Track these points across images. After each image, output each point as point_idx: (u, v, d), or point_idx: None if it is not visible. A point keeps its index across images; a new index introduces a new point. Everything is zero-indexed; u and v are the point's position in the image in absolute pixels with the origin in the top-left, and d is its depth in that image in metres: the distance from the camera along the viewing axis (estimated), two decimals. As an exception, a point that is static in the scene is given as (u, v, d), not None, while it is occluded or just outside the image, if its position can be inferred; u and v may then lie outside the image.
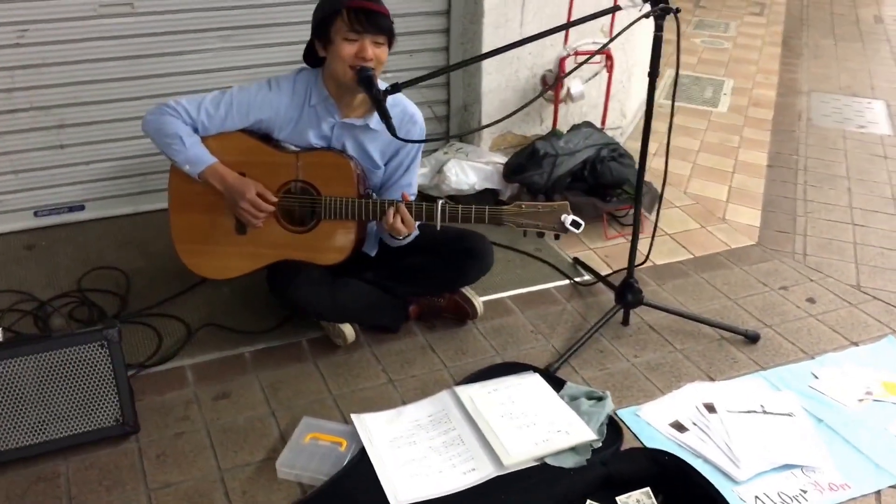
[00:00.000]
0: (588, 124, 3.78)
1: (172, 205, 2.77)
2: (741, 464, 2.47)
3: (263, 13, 3.46)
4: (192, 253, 2.78)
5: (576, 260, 3.48)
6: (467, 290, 3.03)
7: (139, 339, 2.86)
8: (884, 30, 7.34)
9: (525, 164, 3.56)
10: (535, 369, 2.78)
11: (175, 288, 3.13)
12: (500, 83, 3.81)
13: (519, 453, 2.39)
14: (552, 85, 3.67)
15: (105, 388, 2.40)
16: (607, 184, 3.60)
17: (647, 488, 2.33)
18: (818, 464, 2.50)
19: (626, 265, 3.34)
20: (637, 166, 2.93)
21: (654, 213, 3.07)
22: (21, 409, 2.31)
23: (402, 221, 2.61)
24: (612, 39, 2.80)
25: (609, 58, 3.76)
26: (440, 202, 2.63)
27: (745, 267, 3.54)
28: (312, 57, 2.70)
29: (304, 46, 3.52)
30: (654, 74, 2.72)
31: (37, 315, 2.95)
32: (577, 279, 3.38)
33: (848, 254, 3.69)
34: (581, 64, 3.06)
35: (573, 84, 3.74)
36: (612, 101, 4.07)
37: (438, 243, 2.86)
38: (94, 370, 2.37)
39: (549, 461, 2.39)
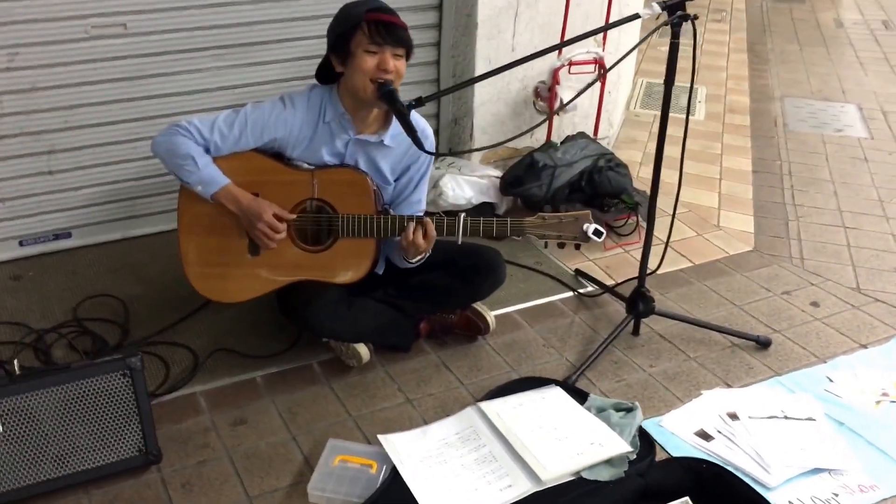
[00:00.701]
0: (583, 135, 3.77)
1: (182, 227, 2.68)
2: (772, 469, 2.46)
3: (257, 31, 3.39)
4: (204, 277, 2.69)
5: (577, 271, 3.46)
6: (479, 306, 2.98)
7: (146, 368, 2.74)
8: (845, 34, 7.48)
9: (523, 176, 3.54)
10: (556, 382, 2.75)
11: (176, 314, 3.03)
12: (491, 96, 3.78)
13: (556, 468, 2.34)
14: (562, 105, 3.63)
15: (128, 417, 2.31)
16: (606, 194, 3.59)
17: (686, 498, 2.30)
18: (846, 466, 2.50)
19: (627, 275, 3.38)
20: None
21: (668, 222, 3.06)
22: (42, 443, 2.21)
23: (425, 236, 2.57)
24: (635, 47, 2.79)
25: (602, 67, 3.76)
26: (462, 216, 2.58)
27: (745, 273, 3.55)
28: (325, 74, 2.65)
29: (299, 63, 3.52)
30: (670, 82, 2.73)
31: (36, 347, 2.83)
32: (581, 291, 3.35)
33: (844, 257, 3.72)
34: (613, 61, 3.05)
35: (565, 95, 3.72)
36: (602, 110, 4.07)
37: (450, 259, 2.81)
38: (117, 400, 2.28)
39: (584, 475, 2.35)
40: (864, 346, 3.09)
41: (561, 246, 2.62)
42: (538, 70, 3.77)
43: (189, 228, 2.67)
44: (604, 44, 3.81)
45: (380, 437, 2.47)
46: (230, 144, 2.59)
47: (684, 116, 2.85)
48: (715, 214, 4.01)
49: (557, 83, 3.70)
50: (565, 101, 3.72)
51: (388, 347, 2.90)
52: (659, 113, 2.85)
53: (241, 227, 2.63)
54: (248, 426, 2.56)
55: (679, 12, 2.56)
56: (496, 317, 3.06)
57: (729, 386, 2.84)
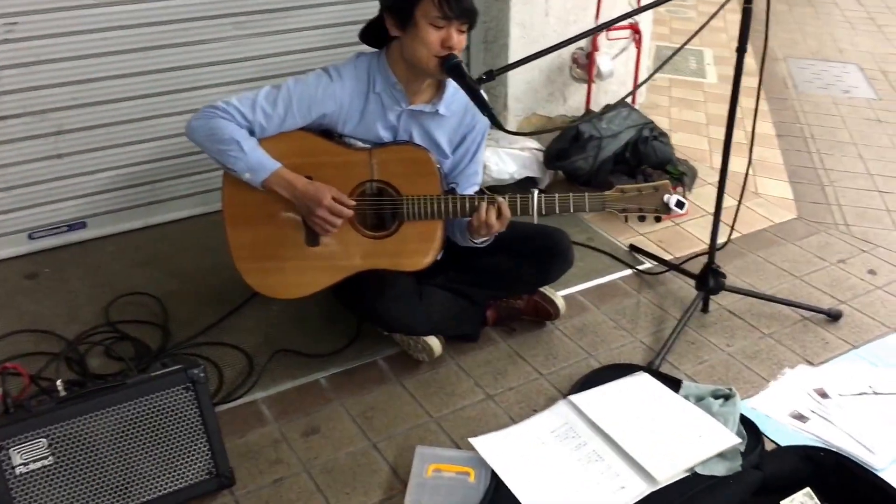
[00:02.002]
0: (624, 103, 3.59)
1: (229, 219, 2.42)
2: (876, 450, 2.34)
3: (282, -5, 3.11)
4: (260, 272, 2.44)
5: (632, 247, 3.29)
6: (547, 290, 2.80)
7: (200, 375, 2.50)
8: (828, -8, 7.42)
9: (569, 149, 3.34)
10: (643, 369, 2.58)
11: (217, 310, 2.78)
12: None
13: (669, 465, 2.18)
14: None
15: (194, 437, 2.06)
16: (651, 165, 3.42)
17: (808, 489, 2.16)
18: (949, 444, 2.40)
19: (681, 249, 3.25)
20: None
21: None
22: (100, 473, 1.95)
23: (499, 217, 2.36)
24: (712, 16, 2.59)
25: (637, 31, 3.58)
26: (535, 193, 2.38)
27: (796, 242, 3.43)
28: (374, 36, 2.41)
29: (325, 31, 3.23)
30: (742, 49, 2.62)
31: (69, 357, 2.55)
32: (640, 267, 3.19)
33: (886, 222, 3.63)
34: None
35: (602, 61, 3.53)
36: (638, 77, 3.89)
37: (517, 241, 2.61)
38: (181, 418, 2.03)
39: (699, 470, 2.19)
40: (931, 314, 3.00)
41: (641, 219, 2.46)
42: (573, 36, 3.56)
43: (237, 220, 2.42)
44: (639, 2, 3.62)
45: (471, 440, 2.28)
46: (276, 124, 2.34)
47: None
48: (751, 181, 3.88)
49: (596, 49, 3.50)
50: (602, 68, 3.53)
51: (456, 338, 2.70)
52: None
53: (296, 215, 2.39)
54: (322, 435, 2.33)
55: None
56: (561, 299, 2.88)
57: (810, 363, 2.72)
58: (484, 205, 2.36)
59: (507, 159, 3.37)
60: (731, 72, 5.27)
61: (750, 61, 5.52)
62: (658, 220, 2.43)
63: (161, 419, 2.01)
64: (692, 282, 2.99)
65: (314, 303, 2.71)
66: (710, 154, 4.11)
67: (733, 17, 6.32)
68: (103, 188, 3.11)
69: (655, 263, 3.19)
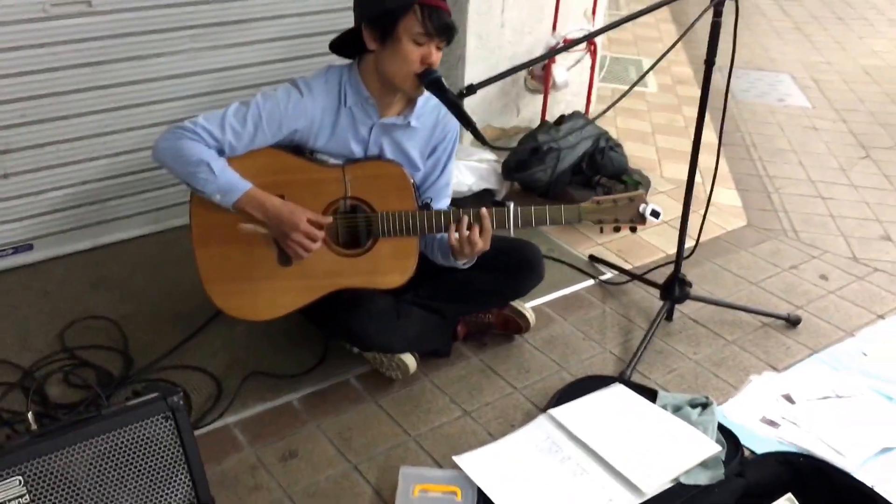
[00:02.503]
0: (579, 114, 3.61)
1: (197, 240, 2.34)
2: (846, 453, 2.40)
3: (238, 7, 3.02)
4: (231, 295, 2.36)
5: (592, 257, 3.30)
6: (517, 303, 2.78)
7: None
8: (753, 2, 7.62)
9: (528, 160, 3.34)
10: (618, 380, 2.59)
11: (178, 332, 2.68)
12: (481, 73, 3.54)
13: (654, 477, 2.18)
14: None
15: (174, 466, 1.97)
16: (608, 175, 3.44)
17: (789, 494, 2.19)
18: (912, 443, 2.47)
19: (641, 258, 3.30)
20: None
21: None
22: (78, 510, 1.86)
23: (481, 233, 2.33)
24: (687, 30, 2.62)
25: (592, 43, 3.61)
26: (511, 206, 2.35)
27: (749, 249, 3.50)
28: (347, 47, 2.36)
29: (283, 43, 3.18)
30: (710, 62, 2.66)
31: (25, 387, 2.41)
32: (602, 278, 3.20)
33: (832, 227, 3.73)
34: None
35: (558, 72, 3.55)
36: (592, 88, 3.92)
37: (488, 255, 2.57)
38: (161, 448, 1.94)
39: (683, 480, 2.20)
40: (882, 317, 3.08)
41: (616, 230, 2.45)
42: (527, 48, 3.58)
43: (206, 241, 2.34)
44: (593, 19, 3.66)
45: (455, 458, 2.25)
46: (245, 142, 2.27)
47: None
48: (701, 189, 3.96)
49: (553, 61, 3.52)
50: (557, 79, 3.54)
51: (427, 354, 2.66)
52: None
53: (267, 235, 2.32)
54: (301, 459, 2.27)
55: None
56: (527, 312, 2.87)
57: (774, 368, 2.77)
58: (466, 219, 2.32)
59: (465, 171, 3.36)
60: (669, 81, 5.43)
61: (686, 70, 5.67)
62: (633, 230, 2.43)
63: (140, 450, 1.91)
64: (654, 291, 3.03)
65: (280, 322, 2.63)
66: (660, 163, 4.17)
67: (667, 28, 6.48)
68: (51, 208, 2.97)
69: (617, 273, 3.22)
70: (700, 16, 2.50)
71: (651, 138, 4.45)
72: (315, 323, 2.56)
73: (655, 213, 2.40)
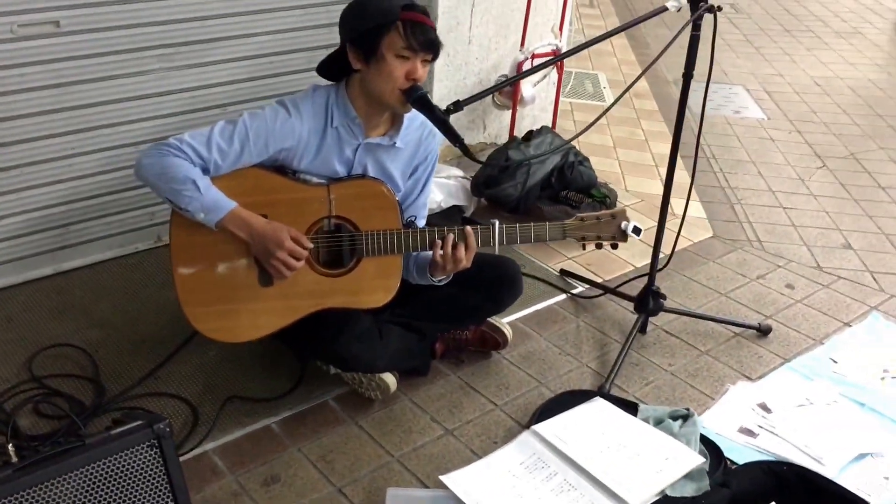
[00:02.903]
0: (547, 129, 3.62)
1: (177, 262, 2.29)
2: (825, 460, 2.43)
3: (207, 26, 2.98)
4: (211, 316, 2.31)
5: (563, 271, 3.31)
6: (494, 319, 2.77)
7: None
8: (704, 16, 7.67)
9: (498, 175, 3.34)
10: (599, 395, 2.59)
11: (149, 359, 2.62)
12: (449, 90, 3.56)
13: (641, 490, 2.19)
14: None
15: (160, 495, 1.90)
16: (578, 189, 3.46)
17: (774, 503, 2.22)
18: (885, 447, 2.50)
19: (611, 271, 3.33)
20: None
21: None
22: (61, 544, 1.79)
23: (467, 250, 2.33)
24: (669, 45, 2.65)
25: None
26: (496, 224, 2.36)
27: (716, 260, 3.54)
28: (333, 69, 2.35)
29: (254, 62, 3.16)
30: (688, 75, 2.70)
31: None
32: (574, 292, 3.21)
33: (794, 237, 3.80)
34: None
35: (525, 88, 3.56)
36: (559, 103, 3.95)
37: (467, 272, 2.58)
38: (146, 477, 1.87)
39: (669, 492, 2.21)
40: (848, 325, 3.14)
41: (598, 247, 2.47)
42: (493, 64, 3.59)
43: (186, 262, 2.30)
44: (560, 34, 3.68)
45: (442, 478, 2.23)
46: (231, 161, 2.24)
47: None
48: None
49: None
50: (524, 94, 3.56)
51: (406, 373, 2.63)
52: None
53: (248, 254, 2.29)
54: (284, 484, 2.22)
55: (703, 4, 2.52)
56: (502, 328, 2.87)
57: (748, 378, 2.80)
58: (451, 237, 2.32)
59: (435, 188, 3.34)
60: (626, 95, 5.46)
61: (643, 84, 5.75)
62: (615, 247, 2.45)
63: (126, 480, 1.84)
64: (627, 304, 3.05)
65: (253, 345, 2.59)
66: (623, 177, 4.20)
67: (619, 42, 6.56)
68: (13, 234, 2.87)
69: (589, 287, 3.23)
70: (681, 30, 2.56)
71: (613, 152, 4.49)
72: (291, 344, 2.52)
73: (637, 230, 2.43)
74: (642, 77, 2.68)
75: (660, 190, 4.11)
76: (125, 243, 3.13)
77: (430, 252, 2.36)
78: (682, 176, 4.31)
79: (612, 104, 2.63)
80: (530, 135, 3.57)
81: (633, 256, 3.44)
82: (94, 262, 3.10)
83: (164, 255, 3.15)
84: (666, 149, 4.65)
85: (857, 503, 2.21)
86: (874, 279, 3.47)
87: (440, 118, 2.23)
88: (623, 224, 2.43)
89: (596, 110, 5.15)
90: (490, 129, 3.76)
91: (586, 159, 3.59)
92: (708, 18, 2.58)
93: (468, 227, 2.33)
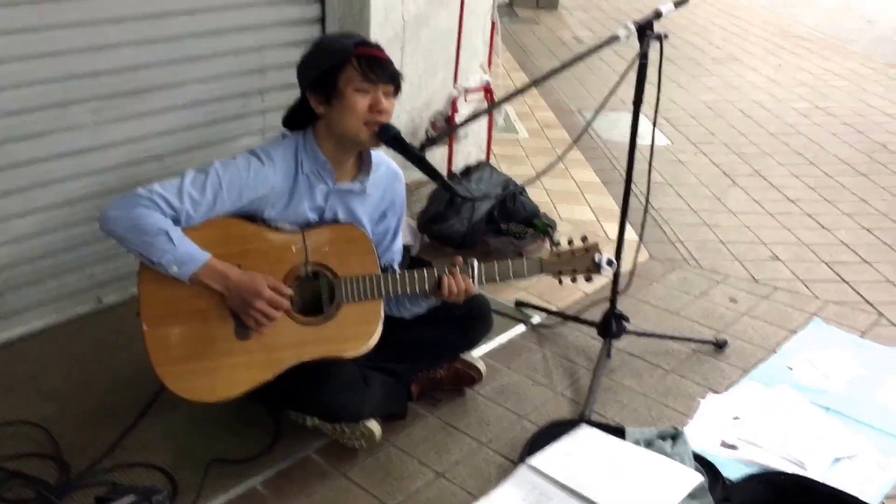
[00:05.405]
0: (485, 164, 3.63)
1: (147, 321, 2.16)
2: (807, 465, 2.47)
3: (140, 77, 2.85)
4: (186, 375, 2.18)
5: (518, 303, 3.30)
6: (466, 356, 2.73)
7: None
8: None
9: (445, 212, 3.32)
10: (583, 422, 2.57)
11: (113, 427, 2.44)
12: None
13: (649, 514, 2.18)
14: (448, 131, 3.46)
15: (160, 574, 1.79)
16: (521, 220, 3.47)
17: (776, 514, 2.25)
18: (858, 449, 2.57)
19: (563, 299, 3.35)
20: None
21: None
22: None
23: (456, 286, 2.31)
24: (622, 79, 2.69)
25: (489, 91, 3.65)
26: (475, 262, 2.35)
27: (658, 281, 3.60)
28: (298, 119, 2.31)
29: (190, 111, 3.08)
30: (638, 102, 2.76)
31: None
32: (534, 322, 3.21)
33: (725, 253, 3.91)
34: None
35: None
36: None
37: (438, 310, 2.54)
38: (146, 555, 1.76)
39: (675, 513, 2.21)
40: (794, 332, 3.24)
41: (573, 280, 2.48)
42: (424, 102, 3.58)
43: (157, 320, 2.17)
44: (490, 69, 3.71)
45: (446, 523, 2.16)
46: (203, 212, 2.15)
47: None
48: (598, 227, 4.06)
49: (456, 112, 3.53)
50: (459, 130, 3.56)
51: (385, 418, 2.55)
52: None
53: (224, 308, 2.19)
54: (282, 546, 2.11)
55: (650, 33, 2.58)
56: (470, 365, 2.82)
57: (715, 391, 2.84)
58: (446, 279, 2.31)
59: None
60: (537, 126, 5.58)
61: (549, 115, 5.87)
62: (588, 279, 2.47)
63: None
64: (587, 329, 3.07)
65: (221, 403, 2.46)
66: (554, 206, 4.25)
67: (516, 76, 6.69)
68: (-60, 307, 2.66)
69: (547, 316, 3.23)
70: (633, 61, 2.62)
71: (538, 182, 4.54)
72: (262, 400, 2.39)
73: (610, 263, 2.46)
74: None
75: (590, 216, 4.22)
76: (65, 308, 2.95)
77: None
78: (607, 201, 4.45)
79: (578, 137, 2.64)
80: (469, 170, 3.58)
81: (582, 283, 3.45)
82: (33, 331, 2.89)
83: (107, 319, 3.03)
84: (586, 175, 4.80)
85: (851, 502, 2.26)
86: (807, 287, 3.61)
87: (417, 156, 2.23)
88: (596, 257, 2.45)
89: (511, 143, 5.23)
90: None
91: (524, 191, 3.61)
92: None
93: (457, 258, 2.33)
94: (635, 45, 2.57)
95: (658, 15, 2.59)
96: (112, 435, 2.42)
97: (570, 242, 2.44)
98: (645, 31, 2.58)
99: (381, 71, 2.18)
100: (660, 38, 2.61)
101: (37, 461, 2.31)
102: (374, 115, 2.19)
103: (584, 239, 2.47)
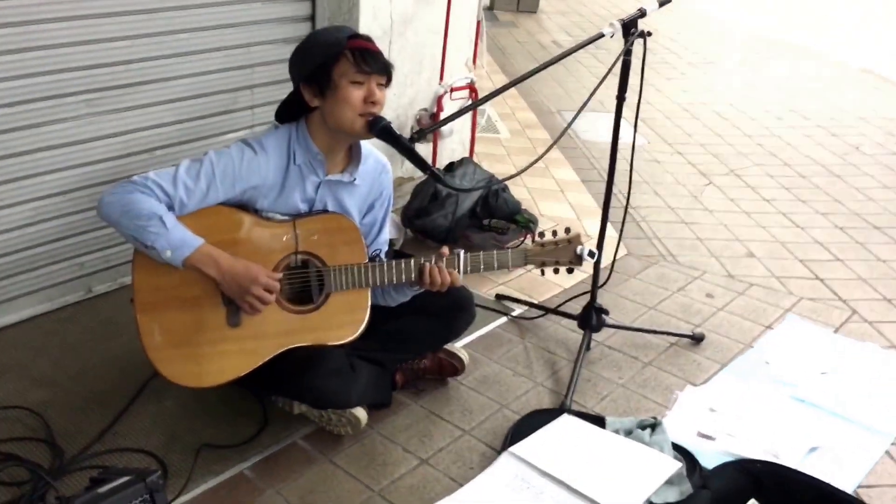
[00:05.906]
0: (468, 160, 3.69)
1: (140, 307, 2.21)
2: (782, 456, 2.54)
3: (133, 70, 2.89)
4: (178, 360, 2.23)
5: (498, 296, 3.37)
6: (450, 346, 2.79)
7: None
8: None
9: (429, 206, 3.38)
10: (565, 412, 2.65)
11: (104, 413, 2.49)
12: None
13: (627, 500, 2.25)
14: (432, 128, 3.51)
15: (154, 553, 1.84)
16: (503, 216, 3.54)
17: (753, 500, 2.31)
18: (832, 439, 2.65)
19: (542, 293, 3.41)
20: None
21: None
22: None
23: (440, 276, 2.37)
24: (604, 77, 2.76)
25: (473, 90, 3.71)
26: (461, 253, 2.41)
27: (637, 276, 3.69)
28: (290, 112, 2.36)
29: (182, 104, 3.12)
30: (621, 98, 2.81)
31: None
32: (514, 314, 3.28)
33: (702, 250, 4.01)
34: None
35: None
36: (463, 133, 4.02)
37: (421, 301, 2.60)
38: (142, 533, 1.81)
39: (654, 500, 2.28)
40: (770, 328, 3.33)
41: (556, 271, 2.55)
42: (410, 99, 3.64)
43: (150, 306, 2.22)
44: (474, 67, 3.77)
45: (431, 507, 2.22)
46: (197, 200, 2.20)
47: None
48: (578, 224, 4.13)
49: (441, 110, 3.59)
50: (443, 127, 3.62)
51: (370, 406, 2.60)
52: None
53: (216, 295, 2.24)
54: (270, 529, 2.16)
55: (634, 31, 2.65)
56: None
57: (692, 384, 2.92)
58: (428, 267, 2.36)
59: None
60: (518, 126, 5.65)
61: (530, 115, 5.95)
62: (570, 271, 2.54)
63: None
64: (567, 322, 3.15)
65: (210, 389, 2.50)
66: (535, 203, 4.32)
67: (497, 78, 6.76)
68: (-68, 296, 2.68)
69: (527, 308, 3.30)
70: (619, 56, 2.67)
71: (520, 180, 4.61)
72: (250, 386, 2.45)
73: (591, 254, 2.53)
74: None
75: (570, 213, 4.30)
76: (55, 296, 2.98)
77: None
78: (586, 199, 4.52)
79: (562, 134, 2.71)
80: (452, 166, 3.64)
81: (560, 277, 3.52)
82: (24, 318, 2.92)
83: (97, 307, 3.07)
84: (565, 174, 4.88)
85: (826, 489, 2.35)
86: (781, 283, 3.70)
87: (407, 147, 2.28)
88: (578, 249, 2.51)
89: (494, 142, 5.30)
90: (409, 163, 3.79)
91: (507, 187, 3.68)
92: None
93: (444, 249, 2.38)
94: (617, 47, 2.63)
95: (643, 13, 2.65)
96: (102, 421, 2.46)
97: (553, 233, 2.51)
98: (630, 28, 2.65)
99: (374, 62, 2.24)
100: (643, 35, 2.67)
101: (30, 445, 2.35)
102: (368, 106, 2.25)
103: (567, 230, 2.54)
